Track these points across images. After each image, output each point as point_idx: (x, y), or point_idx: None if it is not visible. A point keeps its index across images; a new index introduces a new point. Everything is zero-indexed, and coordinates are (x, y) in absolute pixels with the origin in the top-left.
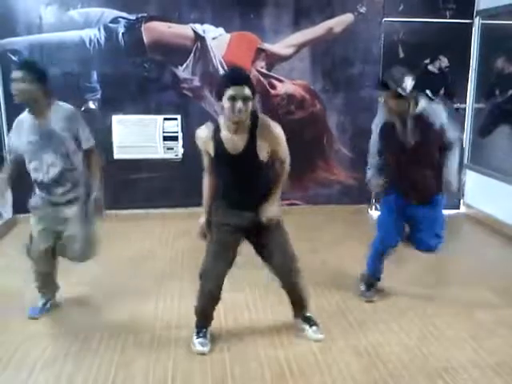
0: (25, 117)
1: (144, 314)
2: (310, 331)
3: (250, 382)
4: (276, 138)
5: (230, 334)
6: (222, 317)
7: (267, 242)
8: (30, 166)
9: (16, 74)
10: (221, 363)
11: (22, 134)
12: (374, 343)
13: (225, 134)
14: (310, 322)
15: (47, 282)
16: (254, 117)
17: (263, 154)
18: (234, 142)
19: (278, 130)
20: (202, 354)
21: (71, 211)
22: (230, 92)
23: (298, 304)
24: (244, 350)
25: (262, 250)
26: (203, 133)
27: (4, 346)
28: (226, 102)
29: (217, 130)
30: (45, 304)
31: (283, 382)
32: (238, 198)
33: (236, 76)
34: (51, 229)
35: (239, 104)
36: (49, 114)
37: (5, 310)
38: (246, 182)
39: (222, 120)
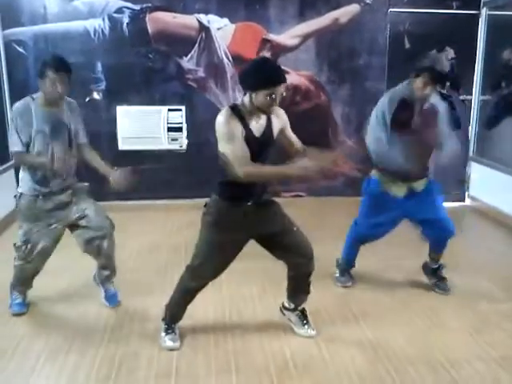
0: (30, 103)
1: (148, 304)
2: (304, 327)
3: (253, 373)
4: (284, 115)
5: (235, 326)
6: (226, 309)
7: (283, 229)
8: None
9: (60, 76)
10: (225, 355)
11: (31, 121)
12: (377, 336)
13: (248, 117)
14: (305, 317)
15: (30, 281)
16: None
17: (275, 132)
18: (257, 123)
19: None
20: (173, 349)
21: (65, 195)
22: (269, 91)
23: (302, 295)
24: (248, 341)
25: (279, 239)
26: (230, 117)
27: (7, 338)
28: (262, 98)
29: (240, 115)
30: (24, 300)
31: (287, 375)
32: (255, 186)
33: (277, 75)
34: (50, 223)
35: (275, 101)
36: (62, 104)
37: (7, 303)
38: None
39: (244, 106)
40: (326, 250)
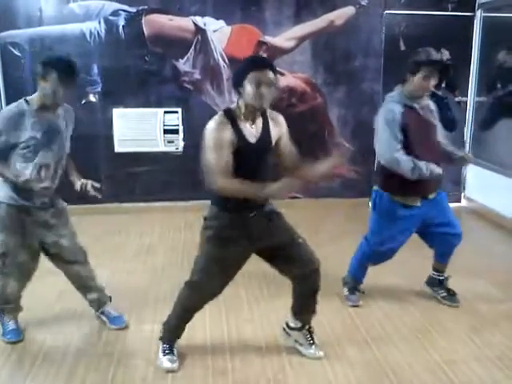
0: (23, 107)
1: (144, 306)
2: (312, 348)
3: (250, 374)
4: (284, 124)
5: (231, 326)
6: (222, 310)
7: (287, 241)
8: (22, 166)
9: (67, 81)
10: (222, 356)
11: (22, 127)
12: (374, 336)
13: (243, 121)
14: (312, 338)
15: (18, 302)
16: None
17: (274, 139)
18: (252, 128)
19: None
20: (171, 371)
21: (48, 214)
22: (254, 77)
23: (311, 311)
24: (244, 342)
25: (284, 253)
26: (221, 124)
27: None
28: (248, 88)
29: (233, 119)
30: (17, 324)
31: (284, 374)
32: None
33: (259, 60)
34: (26, 241)
35: (264, 89)
36: (59, 109)
37: None
38: (260, 173)
39: (238, 108)
40: (324, 252)
